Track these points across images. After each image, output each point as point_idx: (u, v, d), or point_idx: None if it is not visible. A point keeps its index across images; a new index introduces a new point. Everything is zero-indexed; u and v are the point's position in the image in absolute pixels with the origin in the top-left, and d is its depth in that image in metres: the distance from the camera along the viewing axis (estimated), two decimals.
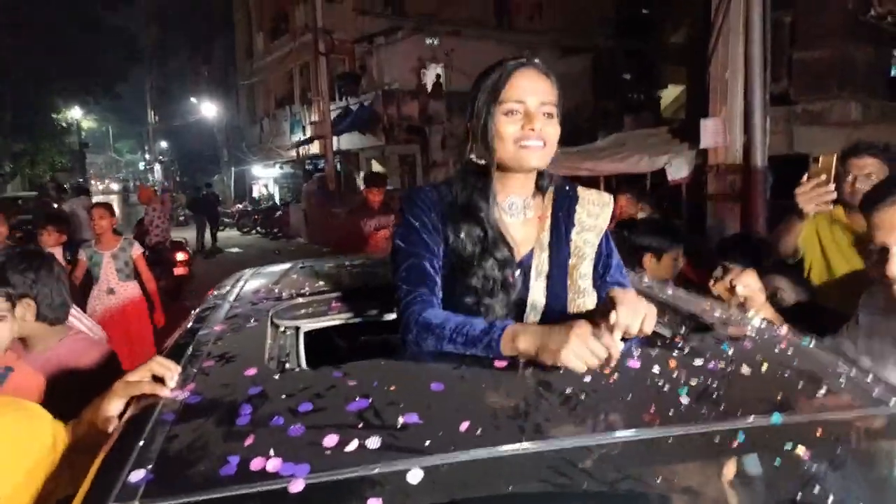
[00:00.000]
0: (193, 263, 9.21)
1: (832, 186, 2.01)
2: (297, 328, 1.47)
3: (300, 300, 1.65)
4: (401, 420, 0.97)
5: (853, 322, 1.56)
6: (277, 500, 0.86)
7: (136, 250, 4.72)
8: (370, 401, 1.02)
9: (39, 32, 20.85)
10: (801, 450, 1.00)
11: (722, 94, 5.40)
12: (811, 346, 1.27)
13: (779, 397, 1.04)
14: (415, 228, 1.30)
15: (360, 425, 0.97)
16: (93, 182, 26.27)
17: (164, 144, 35.28)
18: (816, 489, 0.97)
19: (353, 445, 0.92)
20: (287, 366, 1.24)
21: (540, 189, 1.38)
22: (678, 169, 6.44)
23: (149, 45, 34.35)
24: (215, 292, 1.91)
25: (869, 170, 2.34)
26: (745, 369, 1.11)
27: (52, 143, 24.85)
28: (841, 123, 6.22)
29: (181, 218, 20.47)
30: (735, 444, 0.97)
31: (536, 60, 1.29)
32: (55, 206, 9.29)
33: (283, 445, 0.93)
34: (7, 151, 22.73)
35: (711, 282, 1.60)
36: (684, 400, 1.02)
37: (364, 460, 0.90)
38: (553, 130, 1.27)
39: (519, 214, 1.35)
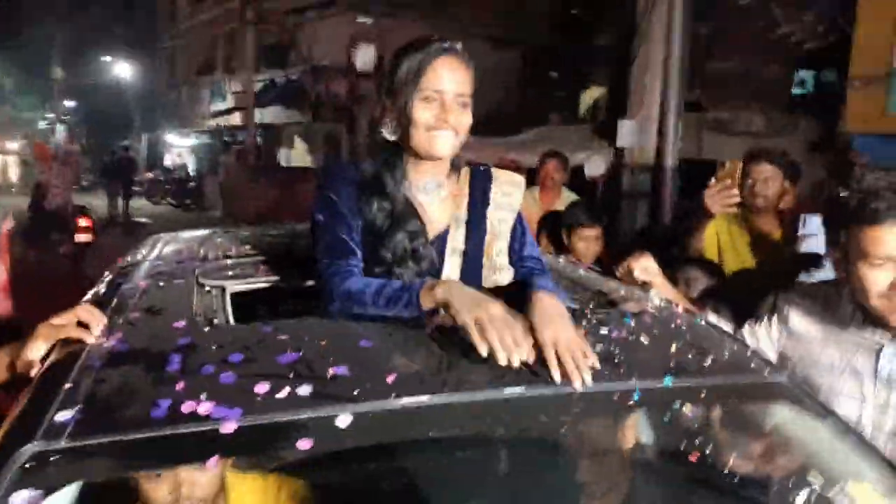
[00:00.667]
0: (101, 233, 8.72)
1: (736, 190, 2.25)
2: (224, 288, 1.48)
3: (226, 262, 1.66)
4: (330, 371, 1.03)
5: (770, 315, 1.64)
6: (209, 441, 0.90)
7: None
8: (301, 354, 1.07)
9: None
10: (687, 408, 1.14)
11: (640, 97, 5.72)
12: (701, 323, 1.42)
13: (671, 363, 1.17)
14: (333, 202, 1.33)
15: (291, 375, 1.01)
16: None
17: (70, 104, 33.03)
18: (697, 440, 1.11)
19: (284, 393, 0.97)
20: (215, 322, 1.26)
21: (454, 168, 1.44)
22: (596, 166, 6.76)
23: None
24: (133, 254, 1.88)
25: (766, 175, 2.58)
26: (644, 339, 1.24)
27: None
28: (745, 133, 6.73)
29: (84, 183, 19.27)
30: (631, 402, 1.09)
31: (458, 47, 1.33)
32: None
33: (215, 391, 0.96)
34: None
35: (616, 269, 1.73)
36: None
37: (295, 406, 0.95)
38: (466, 120, 1.32)
39: (434, 193, 1.40)
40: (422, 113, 1.29)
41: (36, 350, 1.06)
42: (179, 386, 0.97)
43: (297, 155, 18.38)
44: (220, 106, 19.11)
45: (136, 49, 26.49)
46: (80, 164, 17.82)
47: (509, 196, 1.45)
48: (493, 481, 1.29)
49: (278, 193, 13.45)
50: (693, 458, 1.18)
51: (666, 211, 5.49)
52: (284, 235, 2.19)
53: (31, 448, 0.86)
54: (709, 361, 1.21)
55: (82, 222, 7.82)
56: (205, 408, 0.93)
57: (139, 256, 1.81)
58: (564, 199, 3.84)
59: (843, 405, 1.44)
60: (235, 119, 17.57)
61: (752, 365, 1.26)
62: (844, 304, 1.50)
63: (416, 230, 1.35)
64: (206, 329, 1.16)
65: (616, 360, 1.15)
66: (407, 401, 0.99)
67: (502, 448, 1.29)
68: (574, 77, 17.83)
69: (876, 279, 1.34)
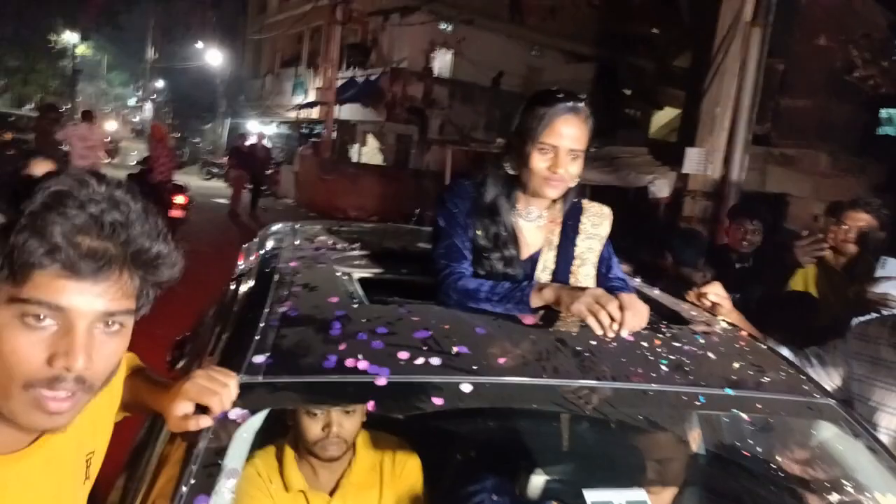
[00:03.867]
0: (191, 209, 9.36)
1: (825, 244, 2.45)
2: (351, 274, 1.77)
3: (352, 253, 1.95)
4: (455, 349, 1.29)
5: (838, 350, 1.83)
6: (366, 390, 1.18)
7: None
8: (431, 332, 1.34)
9: None
10: (743, 415, 1.36)
11: (709, 127, 5.82)
12: (763, 348, 1.63)
13: (733, 377, 1.39)
14: (453, 214, 1.59)
15: (425, 348, 1.28)
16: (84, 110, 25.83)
17: (159, 84, 34.82)
18: (752, 445, 1.33)
19: (421, 360, 1.24)
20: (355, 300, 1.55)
21: (555, 201, 1.66)
22: (660, 188, 6.90)
23: None
24: (262, 240, 2.21)
25: (863, 223, 2.70)
26: (711, 354, 1.46)
27: (47, 65, 24.47)
28: (811, 171, 6.76)
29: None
30: (696, 403, 1.31)
31: (580, 106, 1.51)
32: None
33: (369, 353, 1.24)
34: (1, 66, 22.35)
35: (688, 293, 1.94)
36: (664, 368, 1.36)
37: (431, 371, 1.22)
38: (575, 170, 1.53)
39: (535, 220, 1.64)
40: (538, 162, 1.51)
41: (182, 409, 1.05)
42: (342, 346, 1.25)
43: (368, 152, 18.96)
44: (301, 99, 19.87)
45: (225, 37, 27.71)
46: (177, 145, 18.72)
47: (598, 227, 1.67)
48: (571, 450, 1.56)
49: (348, 187, 13.92)
50: (746, 459, 1.39)
51: (724, 239, 5.62)
52: (387, 234, 2.49)
53: (240, 379, 1.15)
54: (766, 379, 1.43)
55: (178, 199, 8.46)
56: (363, 365, 1.21)
57: (271, 243, 2.13)
58: None
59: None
60: (314, 113, 18.26)
61: (804, 386, 1.47)
62: None
63: (511, 257, 1.58)
64: (356, 305, 1.44)
65: (686, 369, 1.37)
66: (513, 379, 1.25)
67: (583, 425, 1.54)
68: (646, 97, 17.79)
69: None
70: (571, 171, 1.54)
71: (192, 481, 1.02)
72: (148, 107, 35.56)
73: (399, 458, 1.62)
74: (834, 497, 1.34)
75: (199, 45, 29.07)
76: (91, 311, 0.78)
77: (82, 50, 31.97)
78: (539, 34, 20.75)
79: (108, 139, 14.51)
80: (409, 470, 1.61)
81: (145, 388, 1.11)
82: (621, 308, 1.34)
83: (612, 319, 1.33)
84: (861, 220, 2.69)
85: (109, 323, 0.81)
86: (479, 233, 1.59)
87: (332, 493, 1.53)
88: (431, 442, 1.65)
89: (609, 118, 16.04)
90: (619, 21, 21.56)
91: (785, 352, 1.81)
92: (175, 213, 8.04)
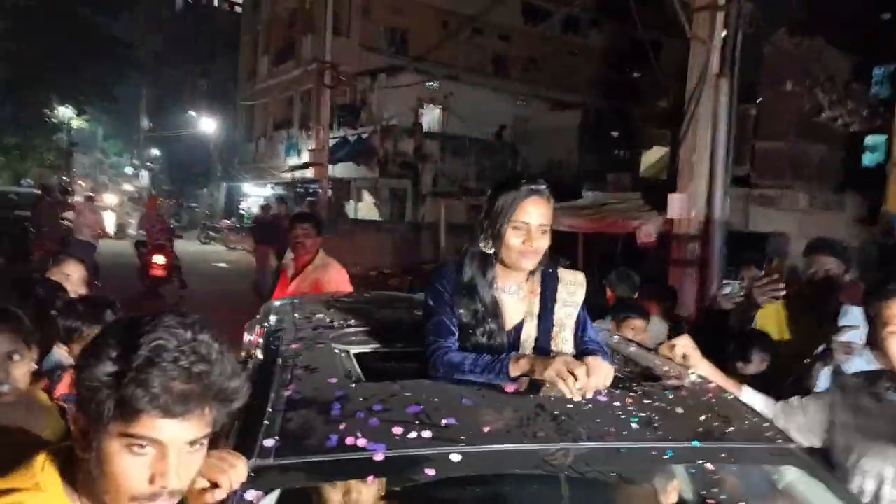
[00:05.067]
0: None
1: (782, 284, 2.57)
2: (349, 351, 1.92)
3: (348, 329, 2.11)
4: (444, 421, 1.43)
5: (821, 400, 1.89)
6: (366, 465, 1.31)
7: None
8: (422, 407, 1.48)
9: (37, 36, 21.17)
10: (709, 465, 1.49)
11: (689, 173, 6.08)
12: (730, 398, 1.77)
13: (699, 429, 1.53)
14: (440, 293, 1.76)
15: (417, 422, 1.42)
16: (80, 183, 26.25)
17: (154, 152, 35.52)
18: (716, 490, 1.45)
19: (413, 434, 1.38)
20: (352, 379, 1.69)
21: (531, 273, 1.81)
22: (647, 233, 7.14)
23: (149, 53, 34.77)
24: (264, 317, 2.36)
25: (828, 266, 2.77)
26: (678, 409, 1.60)
27: (43, 140, 25.02)
28: (791, 209, 7.02)
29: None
30: (665, 457, 1.45)
31: (543, 187, 1.70)
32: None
33: (366, 431, 1.38)
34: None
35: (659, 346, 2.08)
36: (634, 425, 1.50)
37: (422, 444, 1.36)
38: (545, 243, 1.71)
39: (515, 293, 1.80)
40: (513, 239, 1.69)
41: (198, 484, 1.15)
42: (342, 426, 1.39)
43: (364, 208, 19.27)
44: (295, 160, 20.30)
45: (217, 103, 28.43)
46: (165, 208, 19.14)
47: (573, 294, 1.82)
48: None
49: (347, 244, 14.12)
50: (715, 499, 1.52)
51: (713, 279, 5.79)
52: (380, 304, 2.64)
53: (252, 463, 1.29)
54: (731, 428, 1.56)
55: (158, 259, 8.93)
56: (361, 442, 1.35)
57: (273, 320, 2.29)
58: (319, 259, 3.89)
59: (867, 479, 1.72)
60: (309, 172, 18.63)
61: (768, 433, 1.60)
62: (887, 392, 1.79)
63: (493, 331, 1.73)
64: (353, 385, 1.59)
65: (655, 425, 1.51)
66: (497, 447, 1.38)
67: (566, 485, 1.67)
68: (633, 138, 18.23)
69: None
70: (542, 244, 1.71)
71: None
72: (144, 174, 36.11)
73: None
74: None
75: (192, 112, 29.79)
76: (182, 441, 1.00)
77: (78, 123, 32.69)
78: (523, 84, 21.41)
79: (111, 216, 14.90)
80: None
81: None
82: (588, 372, 1.49)
83: (577, 380, 1.47)
84: (826, 263, 2.79)
85: (195, 445, 1.03)
86: (461, 311, 1.74)
87: None
88: None
89: (598, 161, 16.44)
90: (600, 67, 22.29)
91: (765, 402, 1.92)
92: (155, 272, 8.51)
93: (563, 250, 1.88)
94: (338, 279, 3.88)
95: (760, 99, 7.57)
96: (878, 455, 1.75)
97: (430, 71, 17.67)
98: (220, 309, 6.82)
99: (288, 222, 4.47)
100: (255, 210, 17.69)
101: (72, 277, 2.97)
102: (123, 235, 17.19)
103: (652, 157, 18.11)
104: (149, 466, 0.98)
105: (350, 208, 19.01)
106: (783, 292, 2.59)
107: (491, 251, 1.75)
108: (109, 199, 18.89)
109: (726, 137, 5.63)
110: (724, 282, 5.72)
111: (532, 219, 1.68)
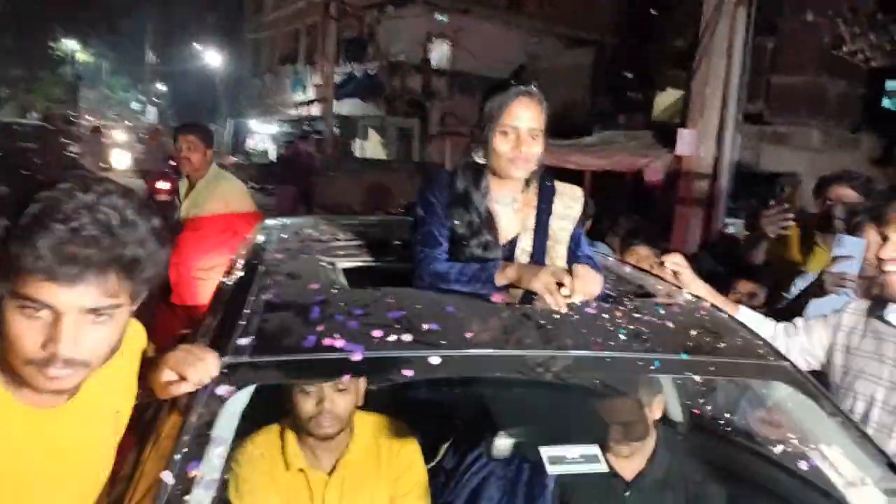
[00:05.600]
0: None
1: (791, 215, 2.48)
2: (334, 264, 1.88)
3: (336, 243, 2.06)
4: (425, 326, 1.39)
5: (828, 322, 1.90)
6: (343, 365, 1.28)
7: None
8: (404, 312, 1.44)
9: None
10: (697, 377, 1.46)
11: (700, 108, 5.88)
12: (723, 316, 1.72)
13: (689, 343, 1.49)
14: (431, 203, 1.69)
15: (398, 326, 1.39)
16: (88, 117, 26.01)
17: (161, 87, 35.04)
18: (702, 401, 1.43)
19: (393, 337, 1.34)
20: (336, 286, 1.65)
21: (527, 183, 1.75)
22: (655, 171, 6.98)
23: None
24: (255, 234, 2.31)
25: (847, 199, 2.64)
26: (669, 324, 1.56)
27: (48, 73, 24.71)
28: (804, 147, 6.80)
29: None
30: (651, 368, 1.42)
31: (533, 89, 1.62)
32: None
33: (345, 332, 1.34)
34: (4, 76, 22.60)
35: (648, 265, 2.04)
36: (622, 337, 1.46)
37: (402, 347, 1.33)
38: (537, 149, 1.63)
39: (510, 205, 1.73)
40: (501, 145, 1.62)
41: (165, 376, 1.18)
42: (320, 327, 1.36)
43: (371, 147, 19.04)
44: (301, 96, 19.97)
45: (223, 38, 27.83)
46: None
47: (570, 208, 1.76)
48: (533, 412, 1.70)
49: (352, 183, 14.03)
50: (704, 415, 1.49)
51: (719, 218, 5.69)
52: (373, 225, 2.59)
53: (225, 360, 1.26)
54: (721, 344, 1.52)
55: (162, 185, 8.96)
56: (339, 343, 1.32)
57: (264, 237, 2.24)
58: (213, 172, 3.56)
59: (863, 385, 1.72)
60: (315, 109, 18.36)
61: (759, 350, 1.56)
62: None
63: (488, 242, 1.67)
64: (335, 290, 1.55)
65: (643, 337, 1.47)
66: (478, 351, 1.35)
67: (544, 389, 1.66)
68: (647, 79, 17.72)
69: None
70: (533, 150, 1.63)
71: (185, 450, 1.13)
72: (151, 110, 35.74)
73: (397, 439, 1.68)
74: (788, 449, 1.44)
75: (199, 46, 29.20)
76: (75, 308, 0.94)
77: (82, 57, 32.16)
78: (537, 20, 20.70)
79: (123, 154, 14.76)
80: (407, 451, 1.67)
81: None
82: (575, 279, 1.44)
83: (564, 286, 1.44)
84: (846, 195, 2.67)
85: (98, 315, 0.97)
86: (456, 222, 1.68)
87: (330, 473, 1.60)
88: (421, 418, 1.77)
89: (611, 102, 16.04)
90: (617, 3, 21.50)
91: (763, 322, 1.89)
92: (160, 196, 8.55)
93: None
94: (234, 195, 3.52)
95: (779, 30, 7.25)
96: (873, 377, 1.73)
97: (439, 3, 17.11)
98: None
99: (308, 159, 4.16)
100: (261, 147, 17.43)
101: None
102: (134, 171, 17.20)
103: (666, 99, 17.60)
104: (41, 330, 0.94)
105: (356, 147, 18.80)
106: (791, 223, 2.51)
107: (483, 161, 1.68)
108: (119, 135, 18.67)
109: (740, 71, 5.42)
110: (728, 220, 5.63)
111: (521, 122, 1.60)
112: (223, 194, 3.49)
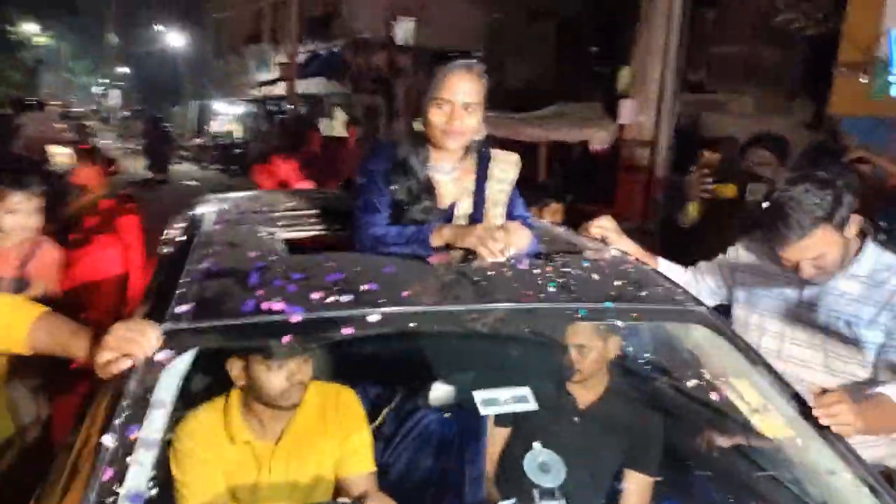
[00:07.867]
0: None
1: (710, 179, 2.65)
2: (274, 234, 1.91)
3: (274, 214, 2.10)
4: (364, 286, 1.46)
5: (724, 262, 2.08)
6: (282, 327, 1.34)
7: None
8: (343, 275, 1.51)
9: None
10: (619, 323, 1.56)
11: (641, 77, 6.01)
12: (645, 268, 1.83)
13: (613, 292, 1.58)
14: (370, 172, 1.74)
15: (337, 289, 1.45)
16: (51, 102, 25.26)
17: (123, 70, 34.19)
18: (625, 344, 1.53)
19: (332, 299, 1.41)
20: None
21: (466, 151, 1.80)
22: (600, 140, 7.17)
23: None
24: (196, 208, 2.32)
25: (763, 161, 2.90)
26: (595, 276, 1.65)
27: (6, 58, 23.95)
28: (739, 114, 7.04)
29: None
30: (578, 316, 1.51)
31: (473, 63, 1.65)
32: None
33: (285, 296, 1.40)
34: None
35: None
36: (551, 289, 1.55)
37: (340, 307, 1.39)
38: (471, 122, 1.67)
39: (449, 173, 1.79)
40: (435, 117, 1.66)
41: (104, 357, 1.22)
42: (259, 292, 1.41)
43: (337, 125, 18.86)
44: (265, 76, 19.67)
45: (186, 18, 27.19)
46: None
47: (506, 172, 1.83)
48: (469, 363, 1.82)
49: (316, 161, 13.89)
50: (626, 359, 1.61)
51: (659, 184, 5.88)
52: (315, 197, 2.64)
53: (165, 326, 1.32)
54: (644, 293, 1.62)
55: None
56: (278, 306, 1.38)
57: (203, 210, 2.26)
58: None
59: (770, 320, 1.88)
60: (279, 89, 18.11)
61: (678, 297, 1.67)
62: None
63: (429, 207, 1.73)
64: (273, 257, 1.61)
65: (571, 289, 1.56)
66: (414, 308, 1.42)
67: (479, 341, 1.77)
68: (611, 53, 17.73)
69: None
70: (468, 122, 1.67)
71: (126, 413, 1.19)
72: (115, 93, 34.86)
73: (342, 399, 1.72)
74: (702, 384, 1.57)
75: (161, 27, 28.52)
76: None
77: (42, 40, 31.15)
78: None
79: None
80: (351, 412, 1.72)
81: (67, 333, 1.33)
82: (507, 232, 1.53)
83: (497, 242, 1.54)
84: (763, 157, 2.90)
85: None
86: (396, 188, 1.73)
87: (277, 442, 1.62)
88: (364, 379, 1.85)
89: (574, 77, 16.03)
90: None
91: (679, 270, 2.02)
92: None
93: (525, 161, 1.87)
94: None
95: (719, 1, 7.44)
96: (774, 313, 1.87)
97: None
98: None
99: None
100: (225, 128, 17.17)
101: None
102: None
103: (629, 73, 17.74)
104: None
105: (324, 125, 18.61)
106: (710, 185, 2.67)
107: (423, 129, 1.74)
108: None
109: (678, 40, 5.54)
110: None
111: (455, 95, 1.64)
112: None
